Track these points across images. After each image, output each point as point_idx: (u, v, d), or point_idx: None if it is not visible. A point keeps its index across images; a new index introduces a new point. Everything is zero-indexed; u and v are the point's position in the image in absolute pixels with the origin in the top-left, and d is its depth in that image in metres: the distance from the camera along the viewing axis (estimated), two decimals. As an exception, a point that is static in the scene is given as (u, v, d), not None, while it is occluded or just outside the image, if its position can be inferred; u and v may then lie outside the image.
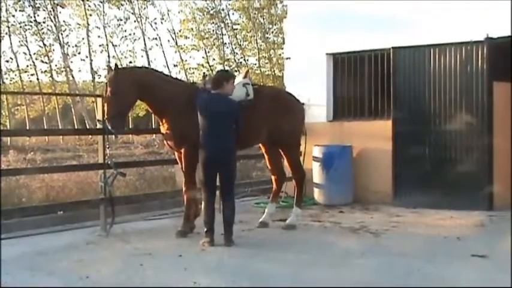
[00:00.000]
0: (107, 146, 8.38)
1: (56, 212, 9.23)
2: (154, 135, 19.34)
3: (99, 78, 36.14)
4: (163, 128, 8.19)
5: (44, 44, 34.72)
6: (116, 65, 8.22)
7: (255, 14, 35.89)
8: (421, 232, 8.40)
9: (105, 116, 7.83)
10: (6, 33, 33.55)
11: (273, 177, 9.17)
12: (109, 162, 8.34)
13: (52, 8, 34.25)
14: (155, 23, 37.21)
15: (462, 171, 9.92)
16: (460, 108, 10.08)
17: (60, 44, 34.61)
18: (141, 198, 10.28)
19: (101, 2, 35.62)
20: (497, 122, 9.84)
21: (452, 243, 7.53)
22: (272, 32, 36.05)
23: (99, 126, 8.59)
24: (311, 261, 6.66)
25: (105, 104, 7.85)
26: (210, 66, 36.62)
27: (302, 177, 8.97)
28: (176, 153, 8.41)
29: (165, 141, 8.59)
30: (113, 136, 8.73)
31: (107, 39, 35.74)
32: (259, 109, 8.31)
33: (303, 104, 9.79)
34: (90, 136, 22.52)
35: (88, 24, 35.28)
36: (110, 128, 7.86)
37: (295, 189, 8.97)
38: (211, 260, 6.73)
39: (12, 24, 33.54)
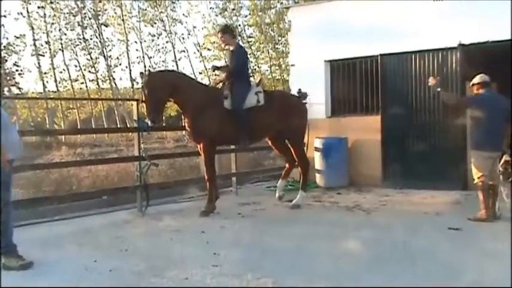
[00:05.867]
0: (141, 141, 8.40)
1: (100, 196, 9.28)
2: (184, 131, 19.33)
3: (137, 84, 36.21)
4: (187, 125, 8.18)
5: (91, 57, 34.84)
6: (149, 70, 8.14)
7: (266, 28, 35.66)
8: (406, 209, 8.35)
9: (145, 112, 7.76)
10: (60, 49, 33.72)
11: (286, 160, 9.10)
12: (143, 155, 8.36)
13: (97, 27, 34.37)
14: (183, 38, 37.20)
15: (441, 157, 9.88)
16: (438, 105, 9.99)
17: (104, 57, 34.72)
18: (171, 184, 10.30)
19: (138, 21, 35.64)
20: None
21: (432, 218, 7.48)
22: (281, 43, 35.78)
23: (135, 125, 8.58)
24: (313, 234, 6.63)
25: (145, 103, 7.73)
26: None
27: (306, 165, 8.92)
28: (198, 146, 8.41)
29: (187, 136, 8.54)
30: (147, 132, 8.73)
31: (143, 52, 35.76)
32: (269, 110, 8.28)
33: (305, 103, 9.77)
34: (130, 133, 22.61)
35: (127, 40, 35.32)
36: (149, 122, 7.77)
37: (301, 175, 8.95)
38: (229, 235, 6.73)
39: (64, 41, 33.71)
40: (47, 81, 33.24)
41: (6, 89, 28.13)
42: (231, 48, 8.33)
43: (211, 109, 7.95)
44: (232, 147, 9.62)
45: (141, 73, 8.02)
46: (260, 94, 8.28)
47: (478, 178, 7.24)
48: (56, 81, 33.83)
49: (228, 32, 8.50)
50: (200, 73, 37.66)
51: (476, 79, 7.50)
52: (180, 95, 7.91)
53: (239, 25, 37.11)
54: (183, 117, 8.30)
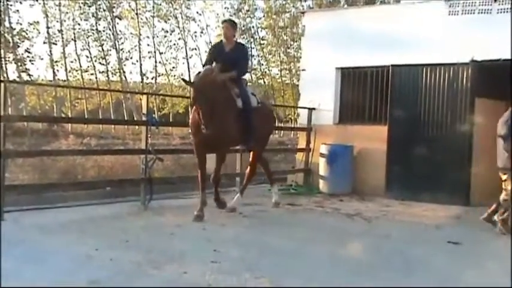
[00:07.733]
0: (149, 135, 8.48)
1: (104, 187, 9.33)
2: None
3: (146, 79, 36.44)
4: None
5: (103, 49, 34.97)
6: (199, 71, 7.75)
7: (279, 32, 35.75)
8: (406, 220, 8.42)
9: (202, 121, 7.14)
10: (72, 39, 33.89)
11: (261, 167, 9.12)
12: (150, 149, 8.44)
13: (111, 19, 34.53)
14: (195, 36, 37.28)
15: (445, 171, 9.92)
16: (446, 119, 10.08)
17: (116, 49, 34.82)
18: (175, 180, 10.38)
19: (152, 16, 35.77)
20: (476, 132, 9.81)
21: (432, 231, 7.55)
22: (293, 48, 35.86)
23: (144, 118, 8.60)
24: (312, 238, 6.71)
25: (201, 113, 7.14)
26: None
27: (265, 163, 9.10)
28: (194, 140, 7.81)
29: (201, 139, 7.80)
30: (156, 127, 8.78)
31: (154, 47, 35.86)
32: (260, 112, 8.36)
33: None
34: (137, 127, 22.71)
35: (140, 34, 35.42)
36: (204, 129, 7.17)
37: (246, 177, 8.86)
38: (229, 233, 6.82)
39: (77, 31, 33.92)
40: (58, 70, 33.41)
41: (16, 74, 28.32)
42: (230, 45, 7.98)
43: (232, 110, 7.73)
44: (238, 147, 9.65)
45: (184, 79, 7.83)
46: (254, 95, 8.44)
47: None
48: (66, 70, 34.02)
49: (236, 27, 8.34)
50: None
51: None
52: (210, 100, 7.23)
53: (253, 27, 37.26)
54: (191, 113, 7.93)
